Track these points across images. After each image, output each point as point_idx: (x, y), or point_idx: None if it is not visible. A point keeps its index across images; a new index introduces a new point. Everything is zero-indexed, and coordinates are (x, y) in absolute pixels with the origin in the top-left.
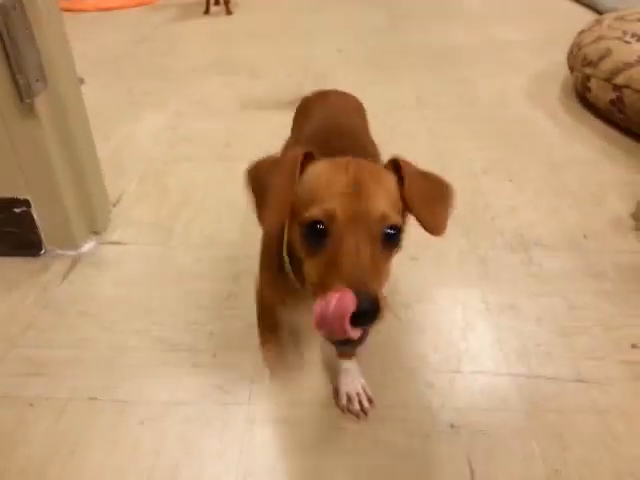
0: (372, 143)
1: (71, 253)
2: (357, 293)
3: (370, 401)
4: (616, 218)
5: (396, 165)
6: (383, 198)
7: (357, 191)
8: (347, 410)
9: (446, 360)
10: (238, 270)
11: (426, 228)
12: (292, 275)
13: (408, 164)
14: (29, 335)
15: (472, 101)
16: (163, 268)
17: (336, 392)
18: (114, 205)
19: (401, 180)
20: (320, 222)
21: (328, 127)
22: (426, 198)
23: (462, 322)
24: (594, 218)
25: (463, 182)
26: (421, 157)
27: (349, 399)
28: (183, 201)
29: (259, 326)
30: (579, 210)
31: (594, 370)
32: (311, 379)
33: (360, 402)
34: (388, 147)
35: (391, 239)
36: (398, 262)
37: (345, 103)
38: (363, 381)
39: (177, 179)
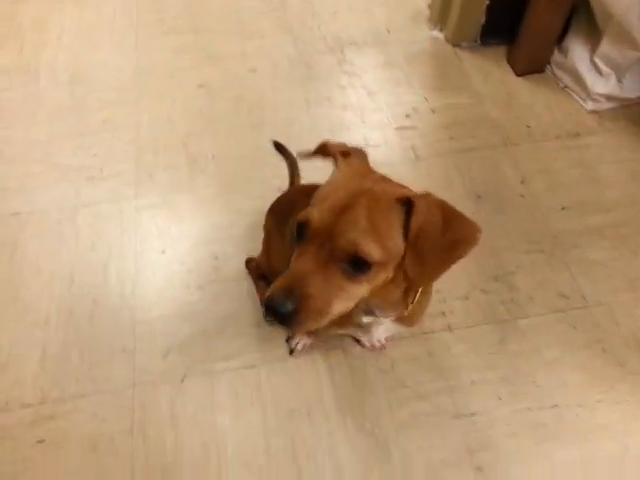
0: None
1: None
2: (276, 294)
3: None
4: (416, 11)
5: (409, 201)
6: (365, 229)
7: (344, 210)
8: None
9: None
10: (109, 99)
11: (409, 272)
12: None
13: (427, 209)
14: None
15: None
16: (41, 106)
17: None
18: None
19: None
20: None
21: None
22: (429, 246)
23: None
24: (398, 13)
25: None
26: None
27: None
28: (41, 41)
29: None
30: (387, 7)
31: (377, 135)
32: None
33: None
34: None
35: (359, 269)
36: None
37: None
38: None
39: (30, 17)
